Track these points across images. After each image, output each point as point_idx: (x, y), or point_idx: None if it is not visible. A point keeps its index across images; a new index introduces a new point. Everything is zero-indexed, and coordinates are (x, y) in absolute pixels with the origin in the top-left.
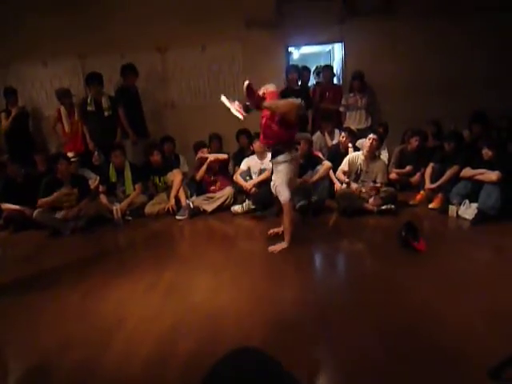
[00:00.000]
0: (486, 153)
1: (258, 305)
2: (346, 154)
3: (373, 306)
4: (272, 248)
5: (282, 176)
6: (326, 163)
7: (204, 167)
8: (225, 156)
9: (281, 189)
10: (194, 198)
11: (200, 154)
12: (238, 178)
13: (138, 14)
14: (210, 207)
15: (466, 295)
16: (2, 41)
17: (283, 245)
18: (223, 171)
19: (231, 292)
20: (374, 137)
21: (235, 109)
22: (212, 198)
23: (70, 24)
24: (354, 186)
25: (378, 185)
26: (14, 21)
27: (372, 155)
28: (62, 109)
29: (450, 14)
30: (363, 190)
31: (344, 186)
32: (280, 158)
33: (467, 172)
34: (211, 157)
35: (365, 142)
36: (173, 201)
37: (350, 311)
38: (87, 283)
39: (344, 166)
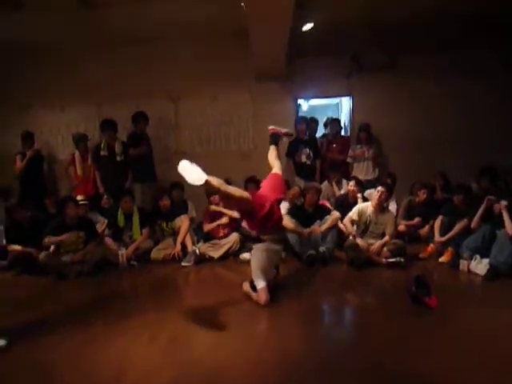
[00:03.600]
0: (498, 206)
1: (261, 359)
2: (355, 203)
3: (378, 361)
4: None
5: (257, 262)
6: (335, 213)
7: (214, 225)
8: (237, 215)
9: (255, 274)
10: (200, 244)
11: (214, 207)
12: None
13: (152, 66)
14: (216, 254)
15: (478, 358)
16: (21, 86)
17: None
18: (232, 222)
19: (234, 345)
20: (383, 189)
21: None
22: (218, 244)
23: (87, 72)
24: (359, 241)
25: (385, 249)
26: (33, 67)
27: (381, 207)
28: (77, 153)
29: (460, 72)
30: (371, 248)
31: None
32: (256, 245)
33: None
34: (225, 216)
35: (373, 194)
36: (179, 247)
37: (355, 364)
38: (88, 331)
39: (353, 214)
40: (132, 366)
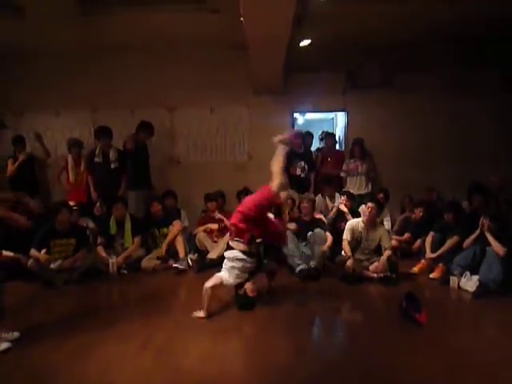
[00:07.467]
0: (485, 223)
1: (251, 371)
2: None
3: (367, 375)
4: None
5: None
6: (328, 237)
7: (202, 228)
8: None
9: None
10: (190, 255)
11: (218, 215)
12: None
13: (150, 74)
14: (214, 254)
15: (466, 375)
16: (17, 89)
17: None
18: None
19: (225, 356)
20: (372, 205)
21: None
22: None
23: (83, 77)
24: (349, 262)
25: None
26: (28, 71)
27: (372, 223)
28: (70, 158)
29: (457, 90)
30: (372, 267)
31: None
32: (226, 253)
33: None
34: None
35: (364, 210)
36: (165, 247)
37: (343, 378)
38: (75, 341)
39: (346, 235)
40: (119, 378)
